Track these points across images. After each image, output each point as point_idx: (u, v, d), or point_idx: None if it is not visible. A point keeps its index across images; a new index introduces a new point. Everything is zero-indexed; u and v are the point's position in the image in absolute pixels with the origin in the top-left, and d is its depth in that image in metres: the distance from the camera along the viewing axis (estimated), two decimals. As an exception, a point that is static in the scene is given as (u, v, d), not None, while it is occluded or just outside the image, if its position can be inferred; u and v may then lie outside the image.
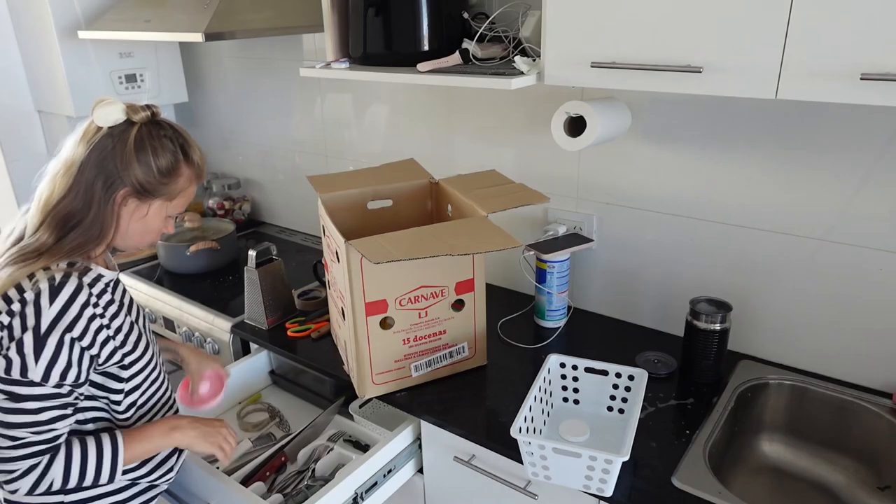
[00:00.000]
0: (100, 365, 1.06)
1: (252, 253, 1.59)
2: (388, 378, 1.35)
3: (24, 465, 0.98)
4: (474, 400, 1.34)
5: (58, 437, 1.01)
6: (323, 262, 1.54)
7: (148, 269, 2.07)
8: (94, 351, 1.03)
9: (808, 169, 1.28)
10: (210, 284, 1.94)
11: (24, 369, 0.97)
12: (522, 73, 1.24)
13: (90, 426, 1.11)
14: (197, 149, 1.14)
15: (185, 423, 1.15)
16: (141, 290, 1.96)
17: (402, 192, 1.52)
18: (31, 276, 1.01)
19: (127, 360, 1.09)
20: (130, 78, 2.17)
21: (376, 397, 1.36)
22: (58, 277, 1.00)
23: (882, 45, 0.89)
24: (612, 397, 1.28)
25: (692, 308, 1.35)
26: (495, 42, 1.44)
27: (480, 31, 1.43)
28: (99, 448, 1.05)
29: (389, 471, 1.33)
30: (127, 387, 1.11)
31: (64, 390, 1.00)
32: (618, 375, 1.26)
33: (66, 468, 1.02)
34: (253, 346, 1.70)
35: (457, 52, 1.38)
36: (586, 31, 1.14)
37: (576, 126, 1.33)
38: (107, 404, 1.11)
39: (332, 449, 1.38)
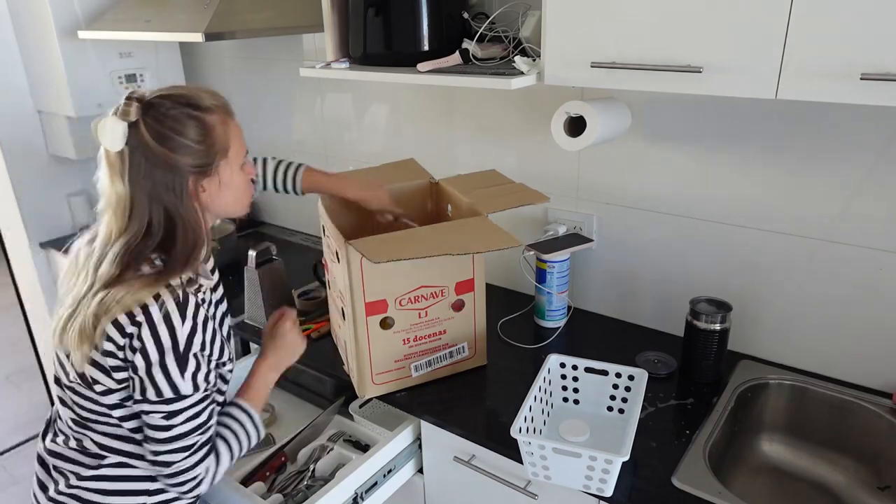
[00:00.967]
0: (216, 362, 1.10)
1: (252, 253, 1.59)
2: (388, 378, 1.35)
3: (202, 468, 1.06)
4: (474, 400, 1.34)
5: (212, 427, 1.08)
6: (323, 262, 1.54)
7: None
8: (214, 355, 1.07)
9: (809, 169, 1.28)
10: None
11: (175, 389, 1.00)
12: (522, 73, 1.24)
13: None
14: (204, 93, 1.06)
15: (271, 356, 1.24)
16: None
17: (402, 192, 1.51)
18: (156, 297, 0.99)
19: (226, 363, 1.13)
20: (130, 78, 2.17)
21: (376, 397, 1.36)
22: (181, 294, 1.00)
23: (882, 45, 0.89)
24: (612, 397, 1.28)
25: (692, 308, 1.35)
26: (495, 42, 1.44)
27: (480, 31, 1.43)
28: (239, 422, 1.13)
29: (389, 471, 1.33)
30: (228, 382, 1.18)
31: (209, 391, 1.05)
32: (618, 375, 1.26)
33: (230, 451, 1.10)
34: (253, 346, 1.69)
35: (457, 52, 1.38)
36: (586, 31, 1.14)
37: (576, 126, 1.33)
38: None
39: (332, 449, 1.38)
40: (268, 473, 1.31)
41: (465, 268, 1.34)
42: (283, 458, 1.34)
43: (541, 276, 1.55)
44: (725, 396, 1.30)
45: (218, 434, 1.10)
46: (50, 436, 1.14)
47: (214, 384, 1.08)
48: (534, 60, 1.28)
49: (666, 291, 1.53)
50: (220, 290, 1.18)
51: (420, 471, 1.41)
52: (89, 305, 0.99)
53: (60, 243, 1.98)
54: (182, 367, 1.00)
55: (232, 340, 1.19)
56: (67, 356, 1.05)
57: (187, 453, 1.03)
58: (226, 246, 2.02)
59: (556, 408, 1.32)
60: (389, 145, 1.94)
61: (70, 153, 2.19)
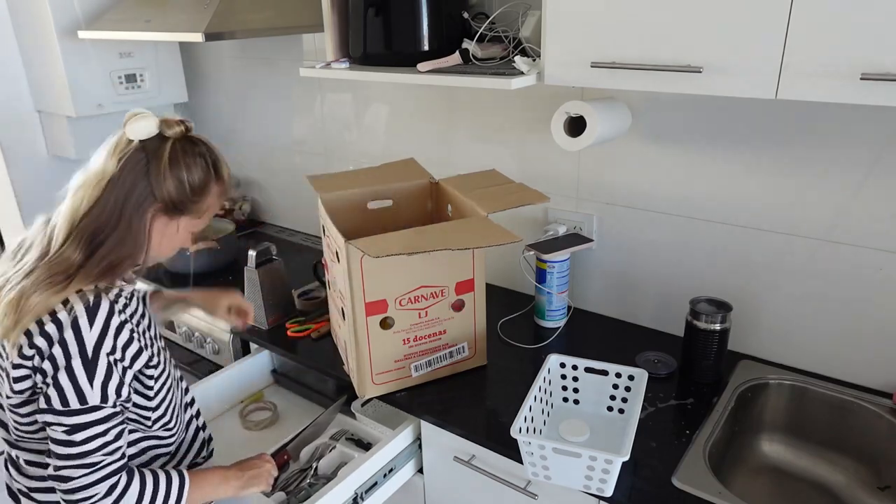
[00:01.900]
0: (133, 372, 1.05)
1: (252, 253, 1.59)
2: (388, 378, 1.35)
3: (103, 487, 0.99)
4: (474, 400, 1.34)
5: (124, 453, 1.03)
6: (323, 262, 1.54)
7: (148, 268, 2.07)
8: (127, 363, 1.03)
9: (809, 169, 1.28)
10: (210, 284, 1.94)
11: (81, 397, 0.97)
12: (522, 73, 1.24)
13: (134, 449, 1.12)
14: (226, 165, 1.12)
15: (233, 475, 1.16)
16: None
17: (402, 192, 1.51)
18: (65, 302, 0.98)
19: (150, 371, 1.08)
20: (130, 78, 2.17)
21: (376, 397, 1.36)
22: (91, 299, 0.98)
23: (882, 45, 0.89)
24: (612, 397, 1.28)
25: (692, 308, 1.35)
26: (495, 42, 1.44)
27: (480, 31, 1.43)
28: (168, 479, 1.06)
29: (390, 471, 1.33)
30: (154, 402, 1.10)
31: (118, 407, 1.01)
32: (618, 375, 1.26)
33: (141, 491, 1.03)
34: (253, 346, 1.70)
35: (457, 52, 1.38)
36: (586, 31, 1.14)
37: (576, 126, 1.33)
38: (138, 417, 1.10)
39: (334, 447, 1.38)
40: (270, 472, 1.30)
41: (465, 268, 1.34)
42: (285, 457, 1.34)
43: (541, 276, 1.55)
44: (725, 396, 1.30)
45: (138, 468, 1.05)
46: (12, 470, 1.13)
47: (128, 397, 1.03)
48: (534, 60, 1.28)
49: (666, 291, 1.53)
50: (142, 307, 1.13)
51: (420, 471, 1.41)
52: (10, 294, 0.98)
53: (60, 243, 1.98)
54: (90, 373, 0.97)
55: (158, 347, 1.13)
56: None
57: (88, 470, 0.98)
58: (226, 246, 2.03)
59: (556, 408, 1.32)
60: (389, 145, 1.94)
61: (70, 153, 2.19)
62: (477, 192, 1.38)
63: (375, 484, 1.30)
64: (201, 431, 1.27)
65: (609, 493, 1.08)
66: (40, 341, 0.97)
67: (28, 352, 0.98)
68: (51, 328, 0.97)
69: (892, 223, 1.22)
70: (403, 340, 1.33)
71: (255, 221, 2.46)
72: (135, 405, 1.08)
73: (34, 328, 0.97)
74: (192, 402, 1.27)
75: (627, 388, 1.26)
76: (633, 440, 1.06)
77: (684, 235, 1.47)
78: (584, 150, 1.54)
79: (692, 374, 1.37)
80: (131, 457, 1.10)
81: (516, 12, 1.44)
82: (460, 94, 1.73)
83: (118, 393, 1.00)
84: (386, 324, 1.31)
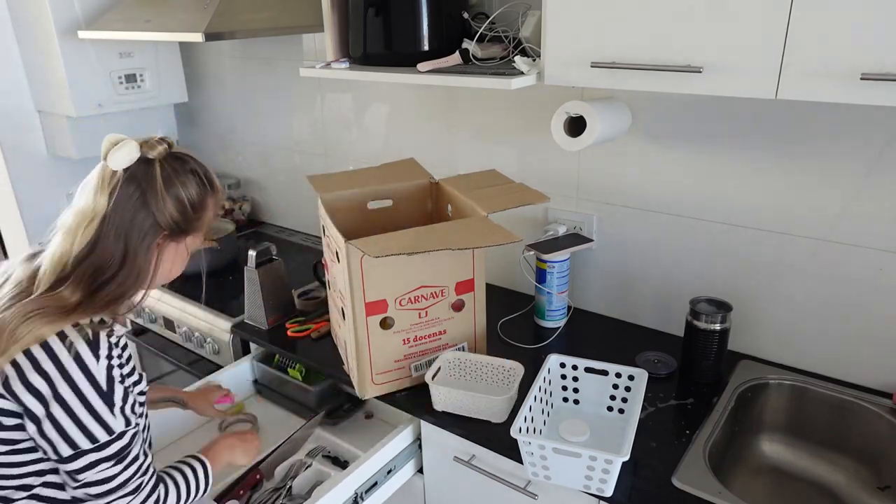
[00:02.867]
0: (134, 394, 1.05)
1: (252, 253, 1.59)
2: (388, 378, 1.35)
3: (154, 496, 1.02)
4: (474, 400, 1.34)
5: (152, 464, 1.05)
6: (323, 262, 1.54)
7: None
8: (129, 385, 1.02)
9: (809, 169, 1.28)
10: (210, 284, 1.94)
11: (107, 428, 0.96)
12: (522, 73, 1.24)
13: None
14: (216, 175, 1.11)
15: (236, 444, 1.23)
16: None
17: (402, 192, 1.51)
18: (60, 335, 0.94)
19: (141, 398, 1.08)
20: (130, 78, 2.17)
21: (376, 397, 1.36)
22: (89, 333, 0.95)
23: (882, 45, 0.89)
24: (612, 397, 1.28)
25: (692, 308, 1.35)
26: (495, 42, 1.44)
27: (480, 31, 1.43)
28: (193, 470, 1.11)
29: (389, 471, 1.33)
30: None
31: (135, 426, 1.01)
32: (618, 375, 1.26)
33: (178, 493, 1.07)
34: (252, 346, 1.69)
35: (457, 52, 1.38)
36: (586, 31, 1.14)
37: (576, 126, 1.33)
38: None
39: (310, 465, 1.34)
40: (241, 492, 1.25)
41: (465, 268, 1.34)
42: (258, 476, 1.29)
43: (541, 276, 1.55)
44: (725, 396, 1.30)
45: (165, 471, 1.08)
46: None
47: (142, 412, 1.04)
48: (534, 60, 1.28)
49: (666, 291, 1.53)
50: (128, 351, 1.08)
51: (420, 471, 1.41)
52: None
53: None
54: (109, 403, 0.95)
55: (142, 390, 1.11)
56: None
57: (133, 497, 0.99)
58: (226, 246, 2.03)
59: (556, 408, 1.32)
60: (389, 145, 1.94)
61: (70, 153, 2.19)
62: (477, 193, 1.38)
63: (375, 484, 1.30)
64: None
65: (609, 493, 1.08)
66: (36, 379, 0.92)
67: (17, 387, 0.92)
68: (48, 366, 0.92)
69: (892, 223, 1.22)
70: (403, 340, 1.33)
71: (255, 221, 2.46)
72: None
73: (24, 362, 0.92)
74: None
75: (627, 388, 1.26)
76: (633, 440, 1.06)
77: (684, 235, 1.47)
78: (584, 150, 1.54)
79: (692, 374, 1.37)
80: None
81: (516, 12, 1.45)
82: (460, 94, 1.73)
83: (134, 411, 1.01)
84: (386, 324, 1.31)
